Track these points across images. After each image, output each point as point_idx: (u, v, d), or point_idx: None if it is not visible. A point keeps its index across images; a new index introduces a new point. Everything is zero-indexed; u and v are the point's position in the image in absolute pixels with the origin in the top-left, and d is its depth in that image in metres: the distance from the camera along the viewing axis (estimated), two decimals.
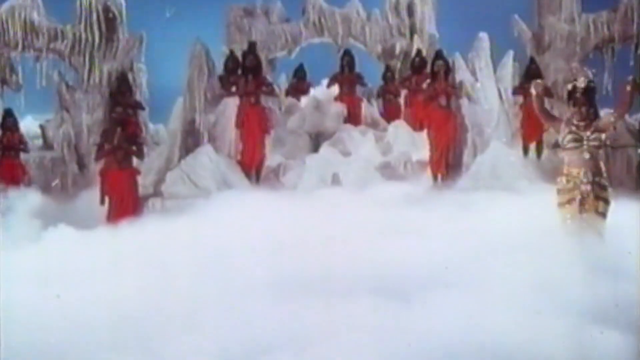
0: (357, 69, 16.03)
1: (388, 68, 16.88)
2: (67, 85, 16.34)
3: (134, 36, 16.42)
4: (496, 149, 13.22)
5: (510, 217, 8.46)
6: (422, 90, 14.15)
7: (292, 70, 17.35)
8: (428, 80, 14.04)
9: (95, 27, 16.12)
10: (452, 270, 6.16)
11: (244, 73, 14.14)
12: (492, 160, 13.04)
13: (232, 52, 15.39)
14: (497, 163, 12.99)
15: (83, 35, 16.15)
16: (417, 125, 14.28)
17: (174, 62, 16.46)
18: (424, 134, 13.79)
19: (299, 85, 16.78)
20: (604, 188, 7.15)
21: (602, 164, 7.19)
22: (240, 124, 13.76)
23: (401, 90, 16.01)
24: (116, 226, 10.12)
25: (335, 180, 12.68)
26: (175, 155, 14.22)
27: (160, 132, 17.45)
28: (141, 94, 16.42)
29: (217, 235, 7.14)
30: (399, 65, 17.16)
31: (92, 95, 16.04)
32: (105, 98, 15.74)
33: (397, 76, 16.74)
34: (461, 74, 13.85)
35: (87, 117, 16.00)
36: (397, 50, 17.30)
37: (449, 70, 13.68)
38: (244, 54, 14.72)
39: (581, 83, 7.25)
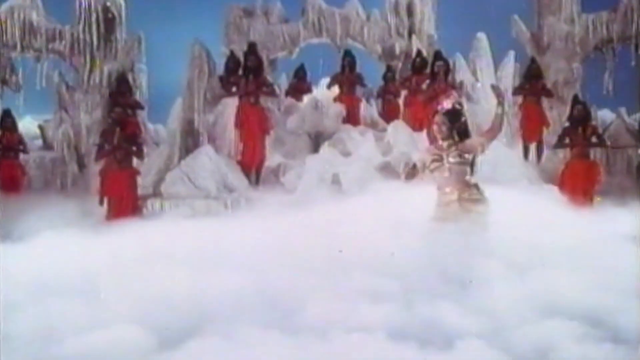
0: (357, 69, 16.03)
1: (389, 68, 16.88)
2: (67, 86, 16.36)
3: (132, 37, 16.44)
4: (496, 149, 13.20)
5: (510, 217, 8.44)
6: (421, 91, 14.16)
7: (293, 71, 17.35)
8: (428, 81, 14.05)
9: (95, 27, 16.14)
10: (455, 271, 6.14)
11: (245, 73, 14.14)
12: (492, 160, 13.03)
13: (232, 53, 15.40)
14: (497, 163, 12.98)
15: (82, 36, 16.18)
16: (416, 125, 14.28)
17: (173, 63, 16.49)
18: (423, 134, 13.80)
19: (299, 85, 16.77)
20: (474, 201, 7.15)
21: (467, 178, 7.15)
22: (240, 124, 13.76)
23: (401, 91, 16.01)
24: (115, 226, 10.11)
25: (335, 180, 12.68)
26: (175, 155, 14.22)
27: (160, 132, 17.48)
28: (141, 94, 16.46)
29: (217, 236, 7.12)
30: (399, 65, 17.16)
31: (92, 95, 16.06)
32: (105, 98, 15.75)
33: (397, 77, 16.74)
34: (462, 74, 13.85)
35: (86, 117, 16.02)
36: (397, 50, 17.31)
37: (448, 70, 13.68)
38: (245, 55, 14.73)
39: (447, 104, 7.28)
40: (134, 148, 13.04)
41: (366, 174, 12.47)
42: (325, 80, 16.67)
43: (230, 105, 14.22)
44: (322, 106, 15.04)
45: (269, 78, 15.21)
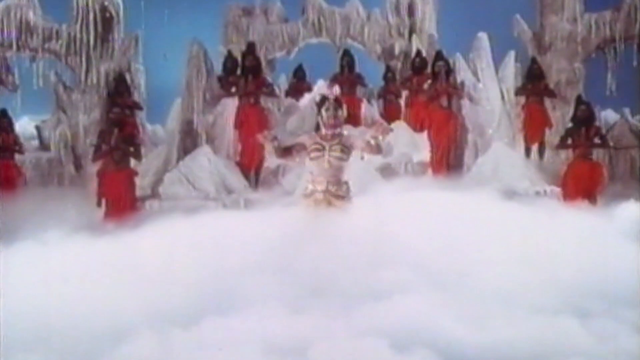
0: (357, 70, 16.03)
1: (389, 68, 16.90)
2: (64, 86, 16.33)
3: (130, 36, 16.43)
4: (498, 150, 13.23)
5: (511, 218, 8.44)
6: (423, 91, 14.17)
7: (291, 71, 17.35)
8: (429, 81, 14.06)
9: (92, 27, 16.11)
10: (452, 270, 6.16)
11: (244, 73, 14.15)
12: (494, 161, 13.06)
13: (230, 53, 15.41)
14: (498, 164, 13.00)
15: (79, 35, 16.14)
16: (417, 126, 14.29)
17: (172, 63, 16.48)
18: (424, 134, 13.81)
19: (299, 85, 16.78)
20: (338, 198, 7.19)
21: (343, 176, 7.25)
22: (239, 124, 13.77)
23: (402, 91, 16.01)
24: (113, 228, 10.11)
25: None
26: (174, 156, 14.23)
27: (158, 132, 17.46)
28: (139, 95, 16.42)
29: (216, 239, 7.12)
30: (399, 66, 17.16)
31: (90, 95, 16.02)
32: (103, 98, 15.73)
33: (397, 76, 16.74)
34: (463, 74, 13.86)
35: (84, 117, 15.98)
36: (397, 50, 17.30)
37: (449, 70, 13.69)
38: (244, 55, 14.74)
39: (336, 91, 7.47)
40: (132, 149, 13.04)
41: (366, 175, 12.46)
42: (322, 81, 16.68)
43: (230, 105, 14.23)
44: None
45: (268, 78, 15.21)
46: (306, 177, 7.51)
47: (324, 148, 7.23)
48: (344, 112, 7.43)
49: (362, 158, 7.51)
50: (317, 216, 7.13)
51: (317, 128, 7.51)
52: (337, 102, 7.38)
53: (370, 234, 6.67)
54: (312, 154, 7.30)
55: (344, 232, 6.74)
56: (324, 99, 7.41)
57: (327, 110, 7.33)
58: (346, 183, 7.31)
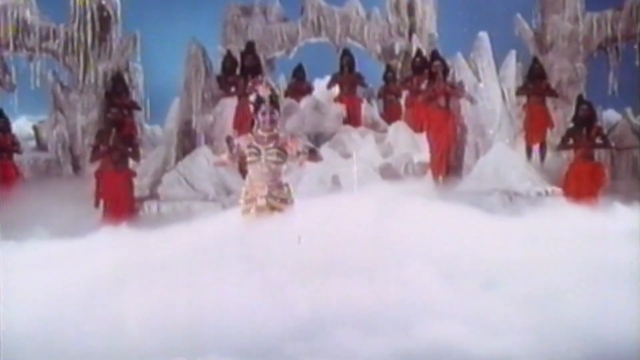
0: (357, 69, 16.05)
1: (389, 68, 16.91)
2: (62, 86, 16.36)
3: (128, 35, 16.45)
4: (499, 150, 13.25)
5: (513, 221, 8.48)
6: (421, 91, 14.19)
7: (291, 71, 17.36)
8: (426, 81, 14.07)
9: (89, 26, 16.14)
10: (456, 276, 6.16)
11: (243, 73, 14.17)
12: (495, 162, 13.07)
13: (229, 52, 15.44)
14: (499, 165, 13.02)
15: (76, 35, 16.17)
16: (417, 126, 14.31)
17: (170, 62, 16.50)
18: (424, 135, 13.83)
19: (299, 85, 16.80)
20: (281, 201, 7.09)
21: (283, 178, 7.13)
22: (238, 124, 13.78)
23: (402, 91, 16.04)
24: (111, 229, 10.13)
25: (335, 182, 12.70)
26: (172, 156, 14.27)
27: (157, 133, 17.48)
28: (137, 94, 16.47)
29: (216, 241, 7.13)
30: (399, 65, 17.18)
31: (87, 95, 16.07)
32: (101, 98, 15.78)
33: (398, 76, 16.77)
34: (463, 73, 13.88)
35: (81, 118, 16.02)
36: (397, 50, 17.33)
37: (447, 70, 13.70)
38: (243, 54, 14.76)
39: (261, 91, 7.12)
40: (130, 149, 13.07)
41: (366, 176, 12.50)
42: (321, 81, 16.71)
43: (229, 105, 14.27)
44: (322, 107, 15.07)
45: (268, 78, 15.23)
46: (245, 182, 7.34)
47: (259, 152, 7.06)
48: (280, 113, 7.28)
49: (300, 164, 7.39)
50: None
51: (252, 127, 7.34)
52: (273, 103, 7.10)
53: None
54: (249, 158, 7.13)
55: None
56: (259, 99, 7.12)
57: (263, 113, 7.08)
58: (286, 185, 7.16)
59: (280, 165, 7.12)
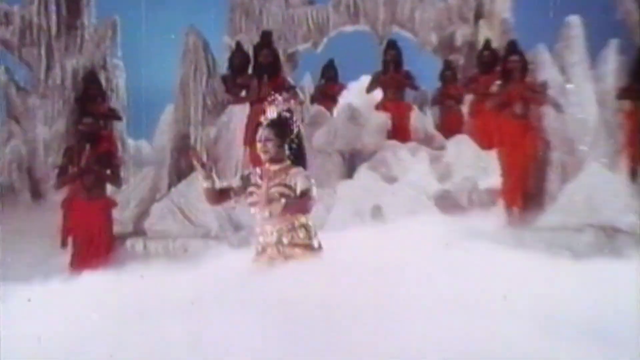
0: (406, 67, 16.10)
1: (447, 65, 16.95)
2: (18, 87, 16.51)
3: (105, 22, 16.58)
4: (593, 172, 13.21)
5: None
6: (491, 95, 14.19)
7: (319, 69, 17.46)
8: (499, 82, 14.09)
9: (53, 9, 16.26)
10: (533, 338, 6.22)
11: (257, 72, 14.27)
12: (588, 188, 13.04)
13: (239, 45, 15.53)
14: (594, 192, 12.98)
15: (36, 20, 16.30)
16: (485, 141, 14.32)
17: (161, 58, 16.64)
18: (494, 152, 13.83)
19: (329, 88, 16.87)
20: (297, 246, 7.05)
21: (299, 218, 7.02)
22: (249, 140, 13.85)
23: (465, 95, 16.06)
24: (82, 276, 10.21)
25: (376, 214, 12.73)
26: (164, 181, 14.36)
27: (144, 150, 17.60)
28: (117, 100, 16.58)
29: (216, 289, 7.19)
30: (462, 61, 17.22)
31: (51, 100, 16.22)
32: (69, 105, 15.91)
33: (459, 76, 16.80)
34: (546, 72, 13.89)
35: (44, 129, 16.16)
36: (458, 40, 17.37)
37: (525, 67, 13.71)
38: (256, 48, 14.86)
39: (271, 112, 7.04)
40: (108, 171, 13.15)
41: (417, 207, 12.52)
42: (357, 83, 16.77)
43: (238, 115, 14.36)
44: (359, 116, 15.12)
45: (289, 79, 15.32)
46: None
47: (260, 188, 7.07)
48: (289, 138, 7.07)
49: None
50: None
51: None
52: (278, 125, 7.02)
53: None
54: (249, 199, 7.15)
55: None
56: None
57: (259, 139, 7.09)
58: (304, 226, 7.09)
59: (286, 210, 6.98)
